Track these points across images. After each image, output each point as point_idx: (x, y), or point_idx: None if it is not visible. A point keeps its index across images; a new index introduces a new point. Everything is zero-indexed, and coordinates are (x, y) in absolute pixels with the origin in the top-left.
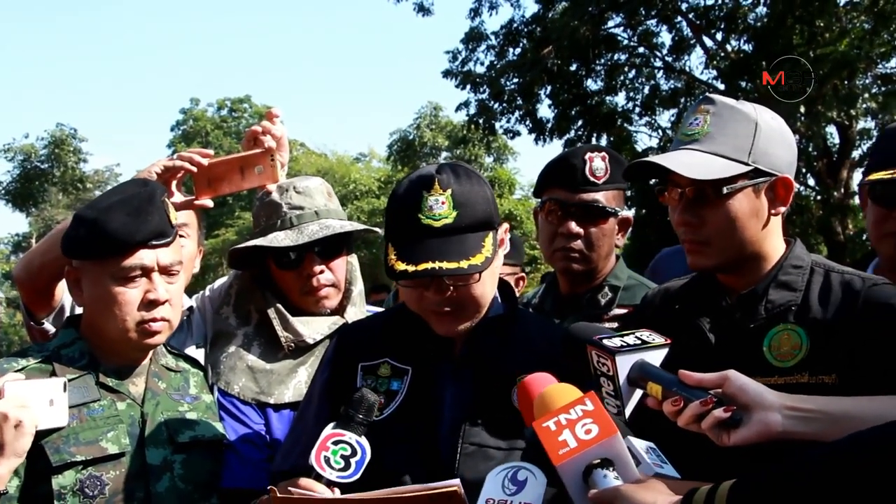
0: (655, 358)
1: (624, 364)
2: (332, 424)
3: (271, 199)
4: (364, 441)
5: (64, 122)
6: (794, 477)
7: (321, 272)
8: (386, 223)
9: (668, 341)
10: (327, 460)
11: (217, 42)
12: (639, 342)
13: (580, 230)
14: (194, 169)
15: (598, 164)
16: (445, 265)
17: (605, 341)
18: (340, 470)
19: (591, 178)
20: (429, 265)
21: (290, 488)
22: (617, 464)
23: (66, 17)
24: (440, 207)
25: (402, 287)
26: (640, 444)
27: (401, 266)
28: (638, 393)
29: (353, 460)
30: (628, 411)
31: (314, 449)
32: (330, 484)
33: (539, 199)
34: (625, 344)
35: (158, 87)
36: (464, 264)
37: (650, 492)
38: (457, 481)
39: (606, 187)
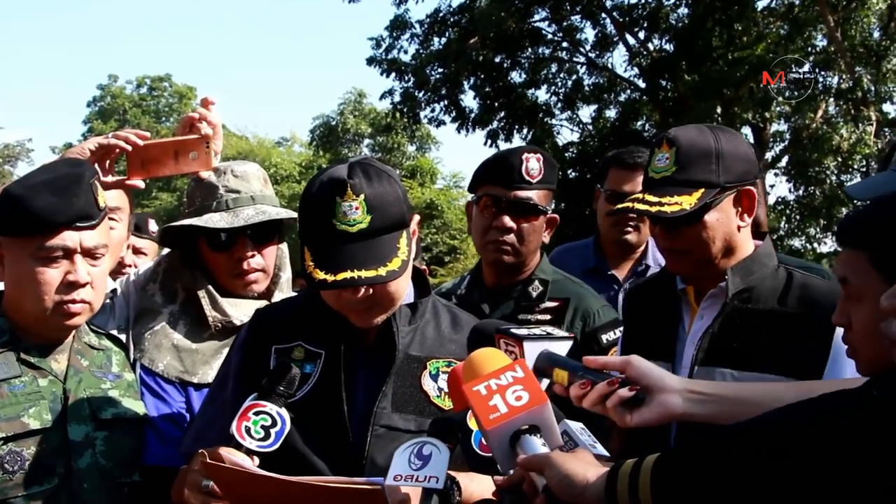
0: (560, 349)
1: (531, 351)
2: (253, 395)
3: (208, 181)
4: (284, 412)
5: None
6: (717, 450)
7: (252, 256)
8: (300, 224)
9: (572, 336)
10: (248, 430)
11: (138, 18)
12: (544, 334)
13: (513, 225)
14: (129, 148)
15: (533, 164)
16: (364, 274)
17: (514, 330)
18: (260, 440)
19: (527, 177)
20: (348, 275)
21: (221, 452)
22: (543, 430)
23: None
24: (354, 213)
25: None
26: (575, 426)
27: (320, 275)
28: (543, 384)
29: (272, 430)
30: None
31: (235, 418)
32: (250, 453)
33: (473, 195)
34: (532, 333)
35: (75, 62)
36: (382, 271)
37: (579, 462)
38: (381, 480)
39: (539, 186)
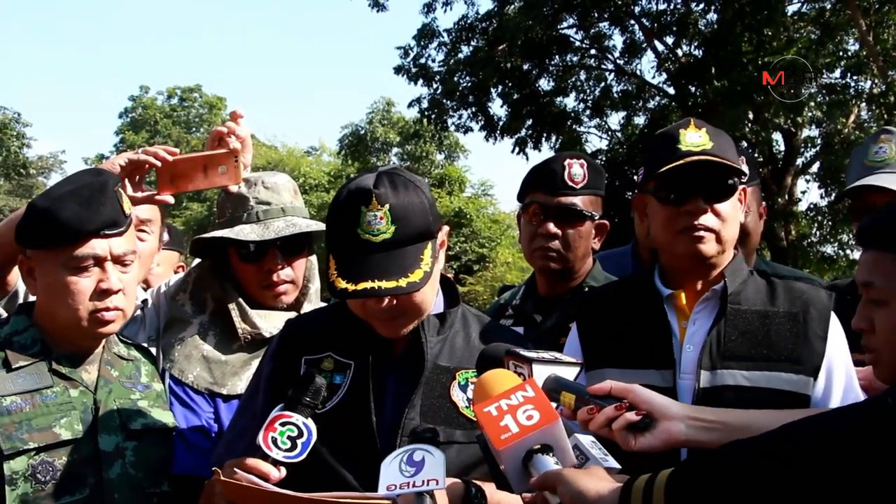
0: (568, 374)
1: (540, 373)
2: (279, 406)
3: (239, 192)
4: (310, 422)
5: (7, 105)
6: (732, 463)
7: (281, 268)
8: (326, 233)
9: (580, 362)
10: (274, 440)
11: (168, 29)
12: (553, 358)
13: (558, 231)
14: (158, 164)
15: (576, 170)
16: (384, 285)
17: (523, 353)
18: (287, 450)
19: (570, 183)
20: (368, 284)
21: (235, 468)
22: (556, 449)
23: None
24: (378, 223)
25: None
26: (585, 439)
27: (341, 284)
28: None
29: (299, 441)
30: None
31: (262, 429)
32: (276, 463)
33: (521, 203)
34: (541, 357)
35: (107, 74)
36: (402, 283)
37: (592, 478)
38: (393, 494)
39: (584, 192)
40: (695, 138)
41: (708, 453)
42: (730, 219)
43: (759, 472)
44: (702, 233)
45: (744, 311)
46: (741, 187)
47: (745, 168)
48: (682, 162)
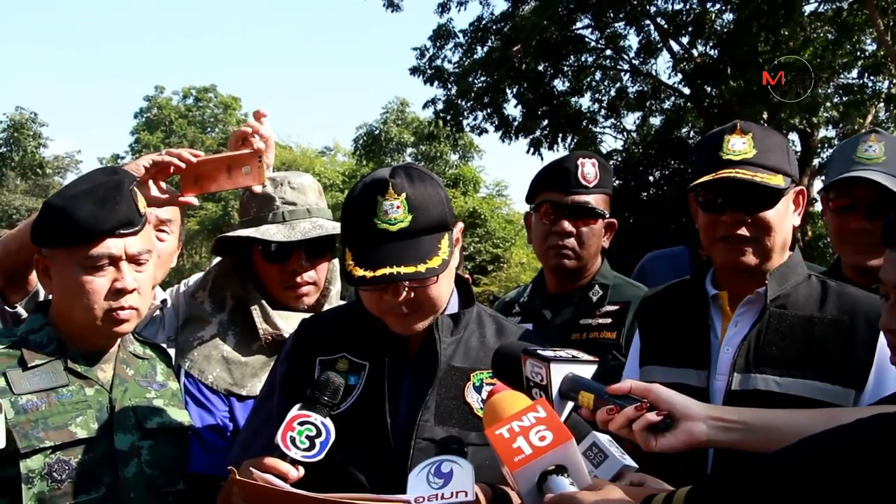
0: (585, 372)
1: (558, 372)
2: (297, 406)
3: (265, 191)
4: (329, 422)
5: (24, 105)
6: (750, 482)
7: (305, 270)
8: (342, 226)
9: (597, 360)
10: (293, 440)
11: (183, 29)
12: (570, 357)
13: (573, 229)
14: (182, 165)
15: (588, 168)
16: (403, 270)
17: (540, 352)
18: (305, 450)
19: (583, 182)
20: (387, 270)
21: (251, 469)
22: (570, 470)
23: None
24: (395, 212)
25: (361, 291)
26: (603, 438)
27: (359, 272)
28: (569, 407)
29: (317, 441)
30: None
31: (280, 428)
32: (294, 463)
33: (531, 205)
34: (558, 356)
35: (122, 74)
36: (421, 268)
37: (606, 500)
38: (409, 497)
39: (596, 191)
40: (738, 145)
41: (727, 471)
42: (775, 226)
43: (780, 491)
44: (741, 245)
45: (787, 316)
46: (795, 189)
47: (793, 169)
48: (712, 177)
